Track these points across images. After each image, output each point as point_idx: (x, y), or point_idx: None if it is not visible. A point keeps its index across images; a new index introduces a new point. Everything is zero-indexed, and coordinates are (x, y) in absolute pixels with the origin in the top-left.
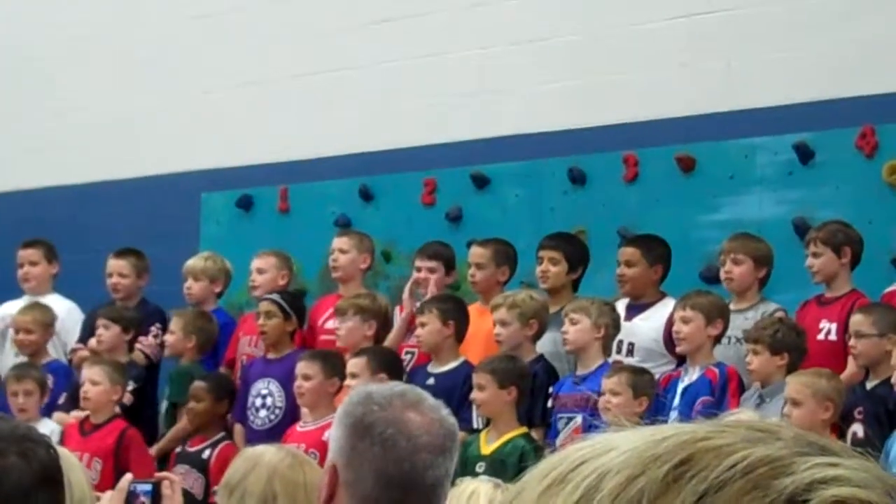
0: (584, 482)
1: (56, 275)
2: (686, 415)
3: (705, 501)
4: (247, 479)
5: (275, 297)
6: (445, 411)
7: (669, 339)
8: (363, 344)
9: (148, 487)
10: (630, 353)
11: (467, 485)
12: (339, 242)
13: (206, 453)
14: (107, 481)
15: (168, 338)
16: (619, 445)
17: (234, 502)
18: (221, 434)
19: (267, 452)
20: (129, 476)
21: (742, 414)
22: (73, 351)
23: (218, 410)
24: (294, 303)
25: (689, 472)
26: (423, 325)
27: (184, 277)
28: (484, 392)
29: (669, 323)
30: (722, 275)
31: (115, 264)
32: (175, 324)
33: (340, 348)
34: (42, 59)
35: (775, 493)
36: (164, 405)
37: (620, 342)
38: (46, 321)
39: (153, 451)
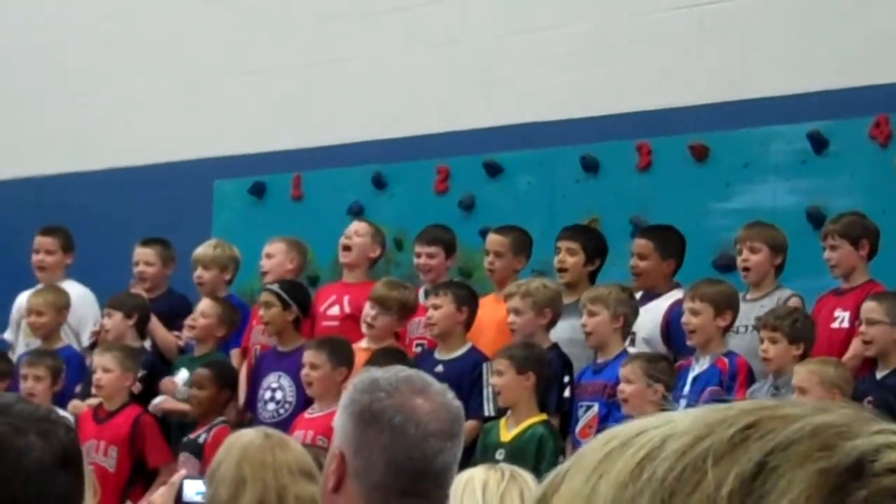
0: (649, 443)
1: (70, 265)
2: (695, 404)
3: (772, 458)
4: (220, 466)
5: (274, 287)
6: (451, 395)
7: (667, 333)
8: (389, 340)
9: (202, 487)
10: (633, 342)
11: (461, 475)
12: (357, 226)
13: (202, 437)
14: (123, 468)
15: (201, 320)
16: (680, 417)
17: (213, 490)
18: (219, 419)
19: (244, 436)
20: (182, 472)
21: None
22: (95, 334)
23: (220, 399)
24: (293, 291)
25: (755, 433)
26: (435, 307)
27: (193, 266)
28: (503, 378)
29: (667, 316)
30: (739, 263)
31: (141, 252)
32: (211, 308)
33: (350, 336)
34: (57, 47)
35: (843, 454)
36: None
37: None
38: (59, 304)
39: None
